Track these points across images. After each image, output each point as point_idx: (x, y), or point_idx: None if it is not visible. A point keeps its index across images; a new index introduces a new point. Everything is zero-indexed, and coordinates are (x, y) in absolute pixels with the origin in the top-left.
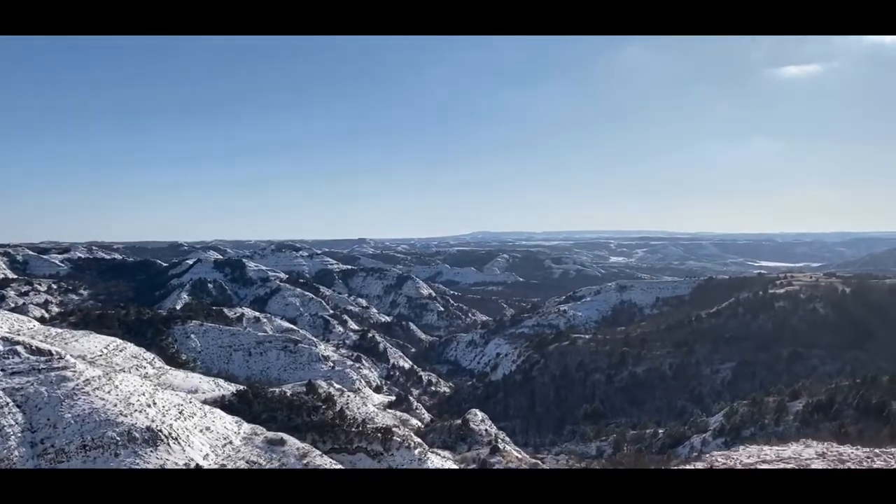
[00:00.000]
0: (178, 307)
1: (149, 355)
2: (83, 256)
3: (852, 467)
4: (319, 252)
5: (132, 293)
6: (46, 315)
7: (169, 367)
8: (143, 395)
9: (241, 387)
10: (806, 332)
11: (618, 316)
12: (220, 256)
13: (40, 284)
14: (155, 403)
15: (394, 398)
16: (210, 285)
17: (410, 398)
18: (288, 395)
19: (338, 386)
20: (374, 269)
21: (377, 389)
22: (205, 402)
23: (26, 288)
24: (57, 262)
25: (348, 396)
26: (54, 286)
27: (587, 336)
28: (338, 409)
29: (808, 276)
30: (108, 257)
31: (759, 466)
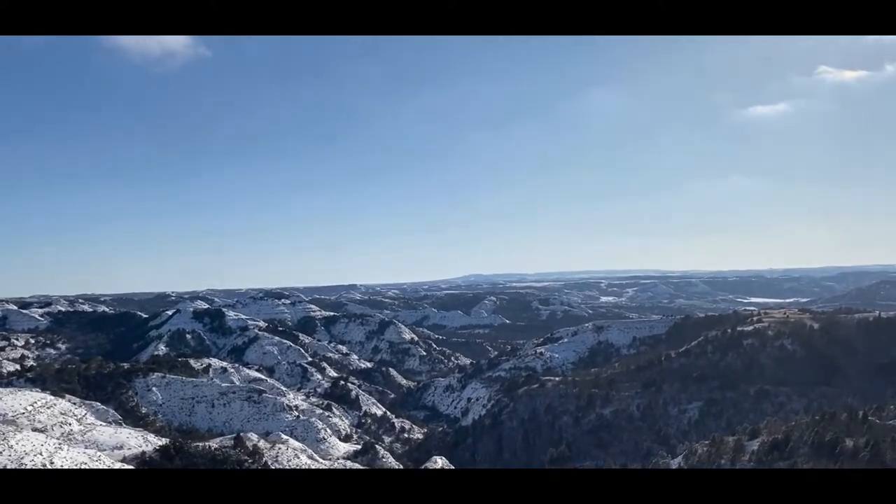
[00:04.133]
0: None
1: (80, 411)
2: (63, 310)
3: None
4: (307, 299)
5: (110, 346)
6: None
7: (100, 423)
8: (41, 454)
9: (166, 441)
10: (773, 369)
11: (595, 357)
12: (208, 306)
13: (18, 339)
14: (52, 463)
15: (360, 447)
16: (188, 336)
17: (377, 447)
18: (212, 449)
19: (285, 437)
20: (358, 315)
21: (346, 438)
22: (123, 459)
23: (2, 343)
24: (37, 316)
25: (279, 449)
26: (32, 341)
27: (557, 378)
28: (263, 462)
29: (781, 313)
30: (90, 310)
31: None
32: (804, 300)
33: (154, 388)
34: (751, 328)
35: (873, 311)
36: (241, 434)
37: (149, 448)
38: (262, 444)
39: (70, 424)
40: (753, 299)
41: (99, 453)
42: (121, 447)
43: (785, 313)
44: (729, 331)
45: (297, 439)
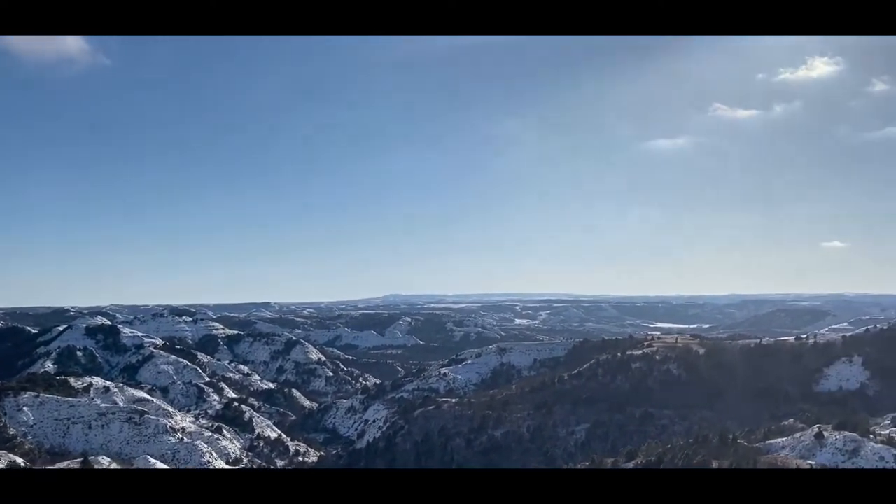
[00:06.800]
0: None
1: None
2: None
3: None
4: (214, 317)
5: None
6: None
7: None
8: None
9: (6, 463)
10: (659, 392)
11: (497, 378)
12: (105, 322)
13: None
14: None
15: None
16: (79, 353)
17: None
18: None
19: (153, 461)
20: (263, 335)
21: (235, 462)
22: None
23: None
24: None
25: None
26: None
27: (453, 400)
28: None
29: (672, 338)
30: None
31: None
32: (707, 326)
33: (25, 408)
34: (640, 352)
35: (759, 338)
36: (90, 458)
37: None
38: (113, 468)
39: None
40: (659, 324)
41: None
42: None
43: (676, 339)
44: (619, 354)
45: (178, 463)
